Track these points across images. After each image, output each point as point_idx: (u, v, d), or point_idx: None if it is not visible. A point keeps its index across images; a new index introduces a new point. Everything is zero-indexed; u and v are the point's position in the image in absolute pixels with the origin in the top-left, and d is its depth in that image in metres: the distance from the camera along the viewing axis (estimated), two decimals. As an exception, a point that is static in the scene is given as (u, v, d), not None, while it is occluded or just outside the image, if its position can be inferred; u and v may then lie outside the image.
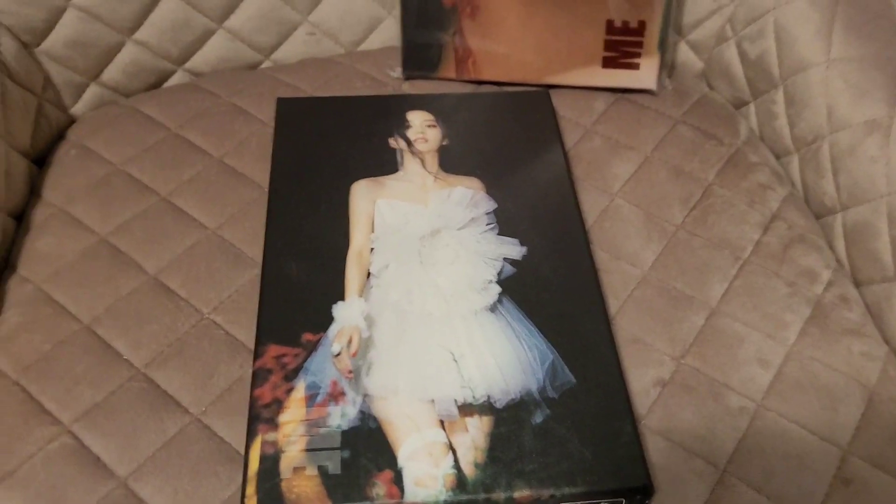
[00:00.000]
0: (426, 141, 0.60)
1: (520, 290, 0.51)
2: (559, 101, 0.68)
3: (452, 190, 0.57)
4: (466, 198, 0.57)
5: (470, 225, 0.55)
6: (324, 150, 0.60)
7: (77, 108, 0.69)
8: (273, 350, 0.48)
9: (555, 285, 0.52)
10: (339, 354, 0.48)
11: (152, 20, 0.67)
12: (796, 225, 0.60)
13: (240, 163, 0.63)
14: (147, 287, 0.55)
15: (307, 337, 0.49)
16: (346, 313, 0.50)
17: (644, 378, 0.51)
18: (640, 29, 0.65)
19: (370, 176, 0.58)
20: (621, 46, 0.66)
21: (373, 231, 0.54)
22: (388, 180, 0.58)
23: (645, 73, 0.67)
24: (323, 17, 0.71)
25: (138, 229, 0.58)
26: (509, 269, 0.52)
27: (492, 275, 0.52)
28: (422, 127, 0.61)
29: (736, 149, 0.65)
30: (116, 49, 0.67)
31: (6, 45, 0.61)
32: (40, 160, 0.65)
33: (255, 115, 0.67)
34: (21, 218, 0.60)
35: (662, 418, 0.49)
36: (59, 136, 0.67)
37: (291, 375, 0.47)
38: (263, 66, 0.73)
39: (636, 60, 0.67)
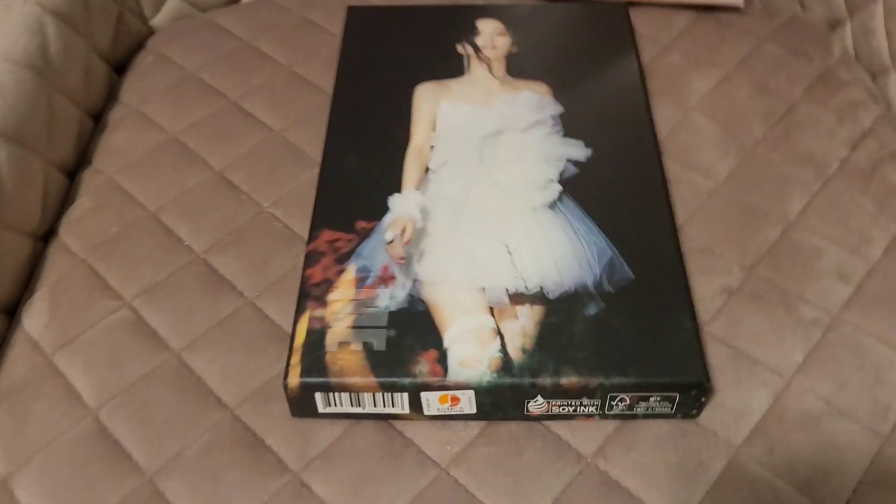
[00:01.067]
0: (494, 48, 0.59)
1: (582, 190, 0.50)
2: (638, 18, 0.65)
3: (518, 93, 0.55)
4: (532, 101, 0.55)
5: (534, 127, 0.53)
6: (391, 55, 0.59)
7: (157, 20, 0.70)
8: (327, 235, 0.48)
9: (619, 188, 0.50)
10: (391, 242, 0.47)
11: (231, -67, 0.68)
12: (889, 143, 0.55)
13: (307, 71, 0.63)
14: (212, 181, 0.56)
15: (361, 224, 0.48)
16: (402, 203, 0.49)
17: (710, 286, 0.48)
18: (727, -62, 0.62)
19: (436, 79, 0.57)
20: (706, -41, 0.63)
21: (434, 130, 0.53)
22: (454, 83, 0.56)
23: (731, -11, 0.64)
24: (399, -66, 0.70)
25: (207, 129, 0.59)
26: (572, 170, 0.51)
27: (553, 174, 0.50)
28: (491, 34, 0.60)
29: (827, 67, 0.61)
30: (196, -38, 0.68)
31: (91, -50, 0.63)
32: (120, 68, 0.67)
33: (326, 27, 0.67)
34: (99, 118, 0.62)
35: (727, 325, 0.46)
36: (139, 46, 0.68)
37: (343, 258, 0.46)
38: (339, -15, 0.73)
39: (722, -26, 0.63)
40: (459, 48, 0.59)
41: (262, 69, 0.63)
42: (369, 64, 0.59)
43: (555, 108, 0.55)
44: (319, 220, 0.49)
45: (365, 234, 0.48)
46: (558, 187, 0.50)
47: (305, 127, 0.59)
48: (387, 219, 0.48)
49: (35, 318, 0.49)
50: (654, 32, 0.64)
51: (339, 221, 0.48)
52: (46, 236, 0.54)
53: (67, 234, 0.53)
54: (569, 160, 0.51)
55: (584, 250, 0.46)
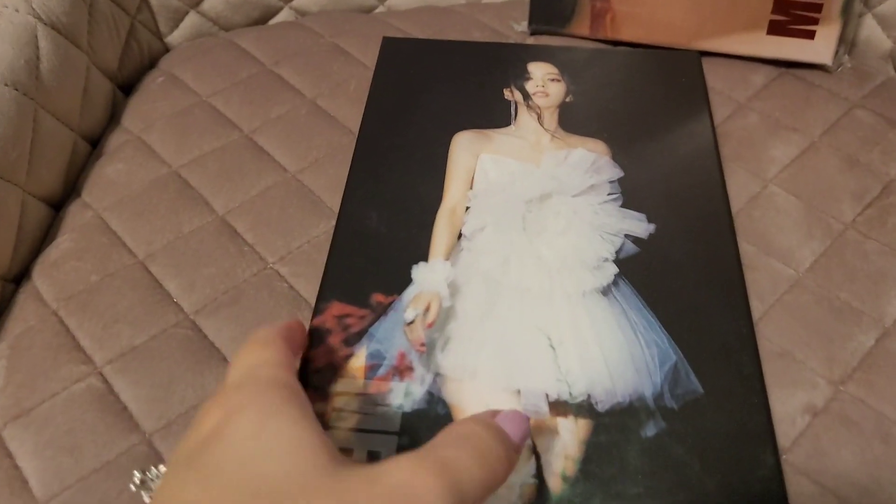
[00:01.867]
0: (546, 95, 0.51)
1: (642, 273, 0.42)
2: (709, 71, 0.57)
3: (571, 151, 0.48)
4: (587, 161, 0.47)
5: (588, 192, 0.46)
6: (427, 95, 0.52)
7: (173, 37, 0.64)
8: (336, 308, 0.40)
9: (687, 273, 0.42)
10: (412, 322, 0.39)
11: (261, -53, 0.61)
12: None
13: (333, 105, 0.56)
14: (212, 227, 0.48)
15: (378, 298, 0.41)
16: (428, 276, 0.41)
17: (790, 402, 0.40)
18: (821, -12, 0.54)
19: (477, 128, 0.49)
20: (795, 10, 0.55)
21: (471, 188, 0.46)
22: (497, 134, 0.49)
23: (820, 45, 0.56)
24: (446, -40, 0.64)
25: (213, 165, 0.52)
26: (631, 248, 0.43)
27: (609, 252, 0.42)
28: (543, 80, 0.53)
29: (929, 142, 0.53)
30: (221, -24, 0.62)
31: (104, -43, 0.57)
32: (128, 87, 0.60)
33: (358, 57, 0.60)
34: (97, 142, 0.56)
35: (811, 455, 0.38)
36: (151, 65, 0.62)
37: (353, 339, 0.39)
38: (377, 11, 0.66)
39: (811, 28, 0.55)
40: (506, 93, 0.52)
41: (283, 100, 0.56)
42: (402, 104, 0.51)
43: (613, 172, 0.47)
44: (329, 290, 0.41)
45: (381, 311, 0.40)
46: (614, 269, 0.42)
47: (325, 171, 0.51)
48: (409, 293, 0.41)
49: (-11, 380, 0.42)
50: (727, 89, 0.56)
51: (352, 293, 0.41)
52: (19, 277, 0.47)
53: (41, 277, 0.46)
54: (627, 236, 0.43)
55: (642, 352, 0.38)
